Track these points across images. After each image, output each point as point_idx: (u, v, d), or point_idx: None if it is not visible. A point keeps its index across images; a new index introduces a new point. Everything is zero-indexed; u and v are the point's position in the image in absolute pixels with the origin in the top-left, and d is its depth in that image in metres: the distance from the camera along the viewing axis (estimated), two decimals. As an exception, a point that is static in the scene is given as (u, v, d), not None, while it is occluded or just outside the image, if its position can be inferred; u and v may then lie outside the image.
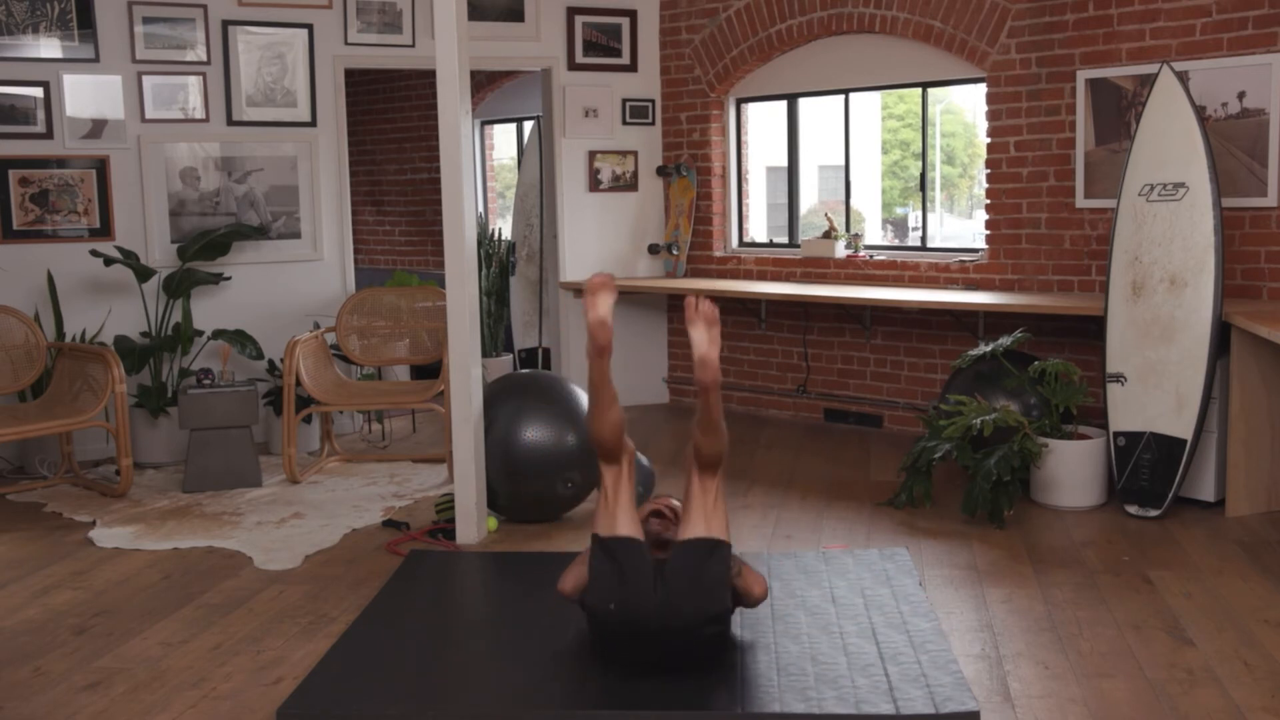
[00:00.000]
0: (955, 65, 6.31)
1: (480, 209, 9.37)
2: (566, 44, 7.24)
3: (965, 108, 12.03)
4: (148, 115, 6.34)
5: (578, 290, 7.29)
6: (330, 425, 6.29)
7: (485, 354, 8.06)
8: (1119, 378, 4.98)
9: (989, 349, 5.29)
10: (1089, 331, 5.74)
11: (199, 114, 6.45)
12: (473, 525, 4.71)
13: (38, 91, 6.11)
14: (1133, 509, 4.89)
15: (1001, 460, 4.74)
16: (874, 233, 11.68)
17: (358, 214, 9.37)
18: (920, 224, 6.95)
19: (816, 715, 3.05)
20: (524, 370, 6.42)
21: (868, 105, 11.00)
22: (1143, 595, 3.95)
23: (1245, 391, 4.76)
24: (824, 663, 3.38)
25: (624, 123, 7.41)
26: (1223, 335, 4.75)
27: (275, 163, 6.66)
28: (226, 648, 3.67)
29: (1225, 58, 5.30)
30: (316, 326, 6.44)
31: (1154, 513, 4.82)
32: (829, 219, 7.00)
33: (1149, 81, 5.16)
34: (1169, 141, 4.87)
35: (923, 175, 6.96)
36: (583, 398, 4.94)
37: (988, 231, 6.24)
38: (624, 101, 7.40)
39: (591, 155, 7.36)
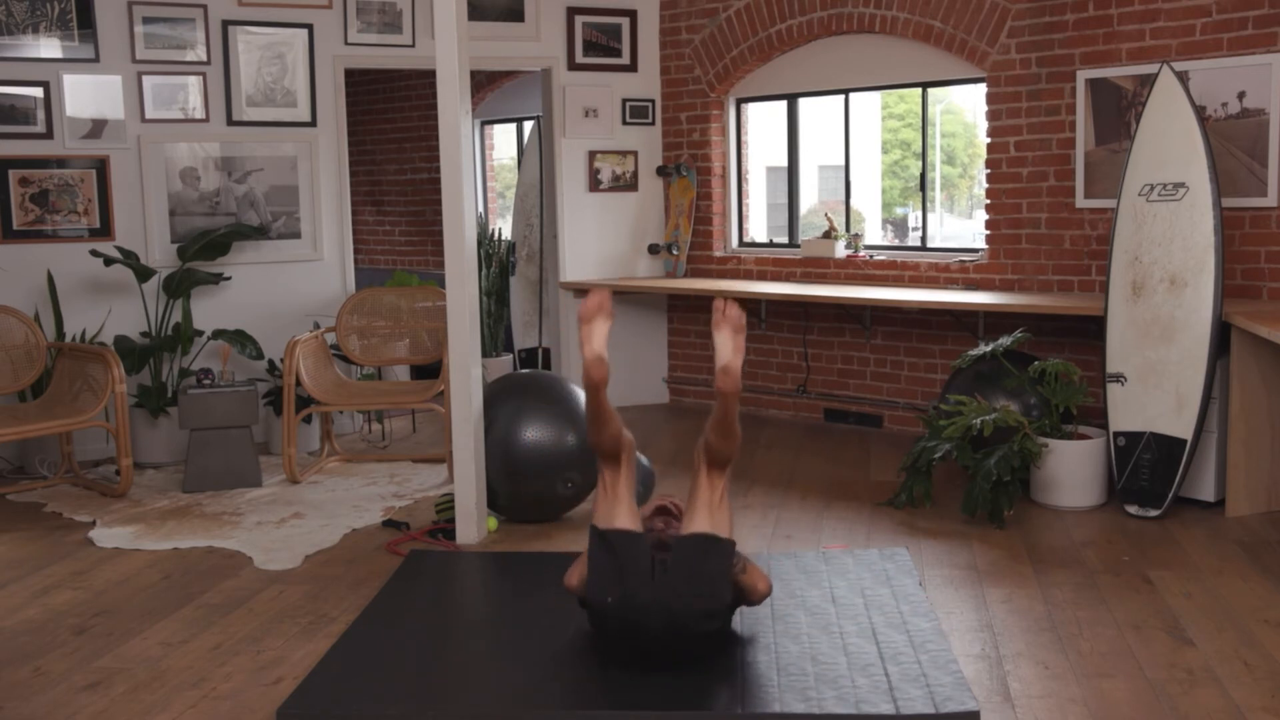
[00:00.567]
0: (955, 65, 6.31)
1: (480, 209, 9.37)
2: (566, 44, 7.24)
3: (965, 108, 12.02)
4: (148, 115, 6.34)
5: (578, 290, 7.29)
6: (330, 425, 6.29)
7: (485, 354, 8.06)
8: (1119, 378, 4.97)
9: (989, 349, 5.29)
10: (1089, 331, 5.74)
11: (199, 114, 6.46)
12: (473, 525, 4.71)
13: (38, 91, 6.11)
14: (1133, 509, 4.89)
15: (1001, 460, 4.74)
16: (874, 233, 11.67)
17: (358, 214, 9.37)
18: (920, 224, 6.95)
19: (816, 715, 3.05)
20: (524, 370, 6.41)
21: (868, 105, 10.99)
22: (1143, 595, 3.95)
23: (1245, 391, 4.76)
24: (824, 663, 3.38)
25: (624, 123, 7.41)
26: (1223, 335, 4.75)
27: (275, 163, 6.66)
28: (226, 648, 3.67)
29: (1225, 58, 5.30)
30: (316, 326, 6.44)
31: (1154, 513, 4.82)
32: (829, 219, 7.00)
33: (1149, 81, 5.16)
34: (1169, 141, 4.86)
35: (923, 175, 6.95)
36: (583, 397, 4.93)
37: (988, 231, 6.24)
38: (624, 101, 7.40)
39: (591, 155, 7.36)
